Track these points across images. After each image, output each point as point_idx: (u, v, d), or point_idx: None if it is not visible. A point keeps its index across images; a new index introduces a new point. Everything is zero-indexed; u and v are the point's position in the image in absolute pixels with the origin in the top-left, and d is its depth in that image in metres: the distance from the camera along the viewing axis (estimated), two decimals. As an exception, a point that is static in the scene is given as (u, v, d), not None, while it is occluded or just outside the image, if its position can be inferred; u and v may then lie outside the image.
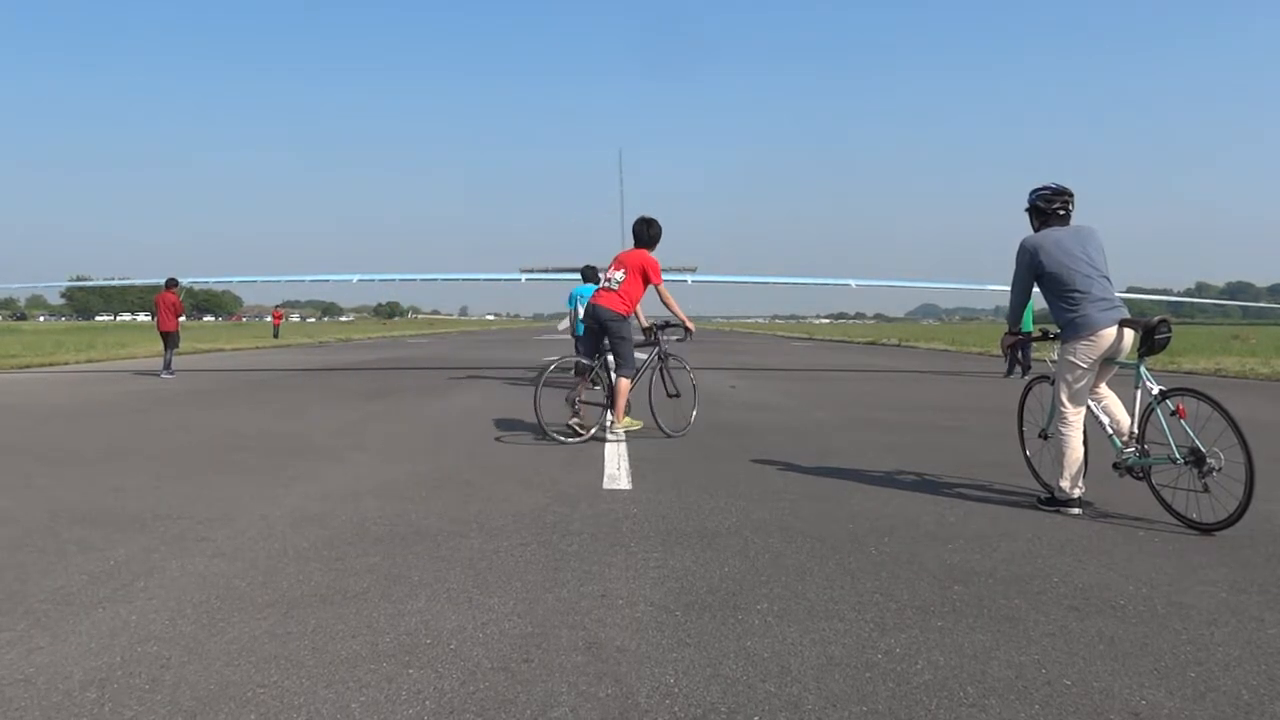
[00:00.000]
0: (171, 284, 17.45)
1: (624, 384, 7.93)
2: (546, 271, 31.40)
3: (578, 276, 14.93)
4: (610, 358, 8.11)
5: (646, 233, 8.20)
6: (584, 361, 8.17)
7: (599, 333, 8.00)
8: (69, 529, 4.47)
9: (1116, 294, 4.99)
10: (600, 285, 8.11)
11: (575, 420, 7.81)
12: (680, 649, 2.88)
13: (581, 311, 13.62)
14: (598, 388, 8.31)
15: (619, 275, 7.97)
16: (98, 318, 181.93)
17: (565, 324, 13.62)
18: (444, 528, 4.52)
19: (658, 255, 8.30)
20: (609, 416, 8.00)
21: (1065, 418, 4.97)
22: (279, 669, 2.71)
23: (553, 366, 8.21)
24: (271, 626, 3.08)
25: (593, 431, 7.82)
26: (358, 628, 3.07)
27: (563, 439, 7.56)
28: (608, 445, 7.42)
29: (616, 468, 6.34)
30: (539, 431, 7.58)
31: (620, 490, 5.55)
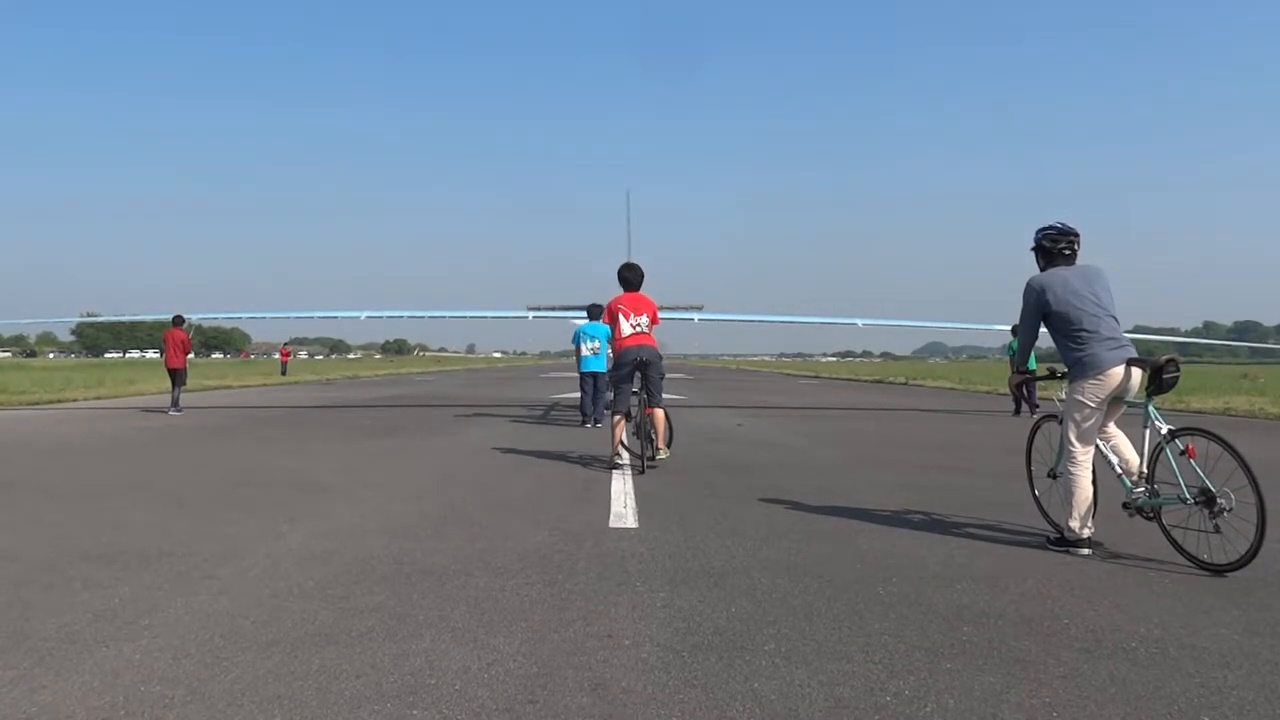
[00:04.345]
0: (179, 321, 17.58)
1: (662, 413, 8.67)
2: (553, 309, 31.53)
3: (584, 314, 15.01)
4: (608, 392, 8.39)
5: (636, 277, 8.86)
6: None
7: (634, 369, 8.55)
8: (75, 565, 4.46)
9: (1124, 333, 4.99)
10: (632, 330, 8.58)
11: (650, 448, 8.45)
12: (687, 690, 2.85)
13: (590, 348, 13.69)
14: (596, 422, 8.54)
15: (645, 320, 8.60)
16: (107, 355, 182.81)
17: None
18: (449, 566, 4.50)
19: (652, 293, 9.05)
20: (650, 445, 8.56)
21: (1074, 457, 4.95)
22: (282, 710, 2.69)
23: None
24: (275, 666, 3.06)
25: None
26: (362, 667, 3.05)
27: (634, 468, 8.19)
28: (614, 483, 7.40)
29: (623, 506, 6.32)
30: (545, 469, 7.59)
31: (627, 529, 5.52)
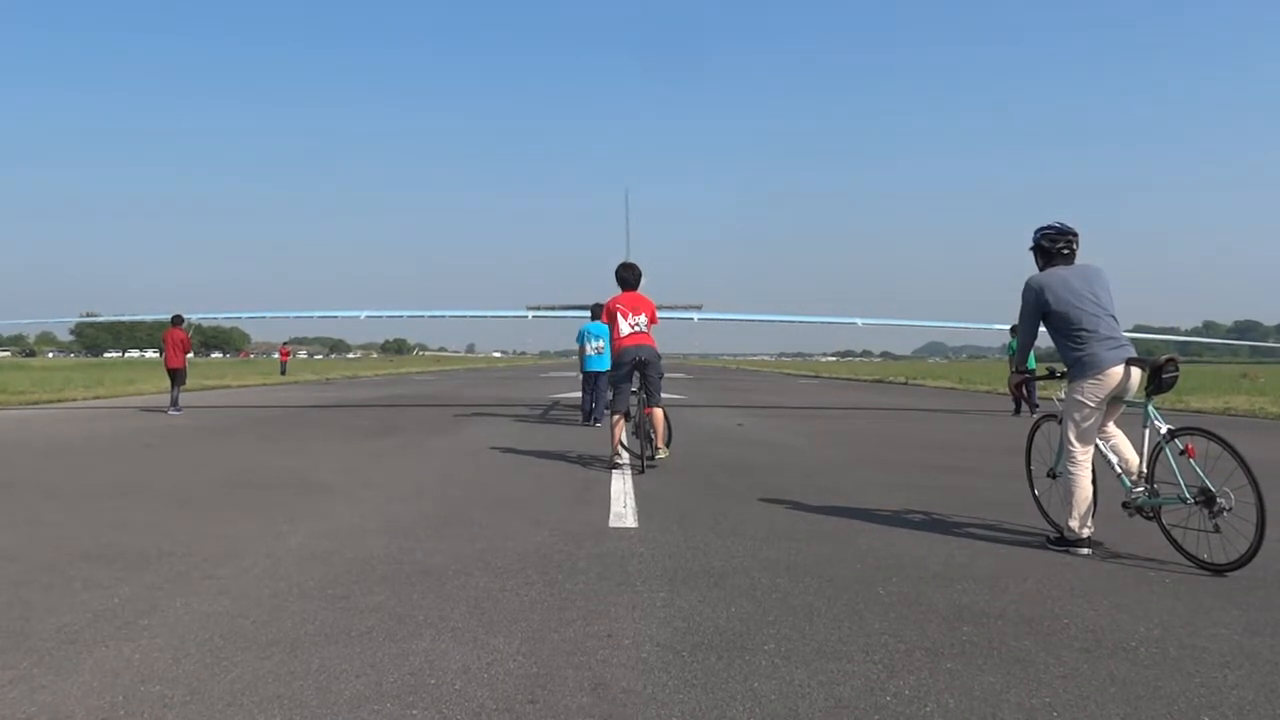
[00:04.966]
0: (178, 321, 17.58)
1: (661, 412, 8.68)
2: (554, 309, 31.55)
3: (585, 314, 15.01)
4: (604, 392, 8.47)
5: (634, 277, 8.85)
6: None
7: (633, 369, 8.55)
8: (74, 565, 4.46)
9: (1123, 333, 4.99)
10: (631, 330, 8.57)
11: (650, 447, 8.46)
12: (687, 690, 2.85)
13: (594, 347, 13.69)
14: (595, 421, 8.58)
15: (643, 319, 8.60)
16: (106, 354, 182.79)
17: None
18: (449, 566, 4.50)
19: (651, 292, 9.14)
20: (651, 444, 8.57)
21: (1073, 457, 4.95)
22: (282, 710, 2.69)
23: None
24: (275, 666, 3.06)
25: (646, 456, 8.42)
26: (362, 667, 3.05)
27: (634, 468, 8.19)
28: (614, 483, 7.40)
29: (623, 506, 6.31)
30: (545, 469, 7.60)
31: (627, 529, 5.52)
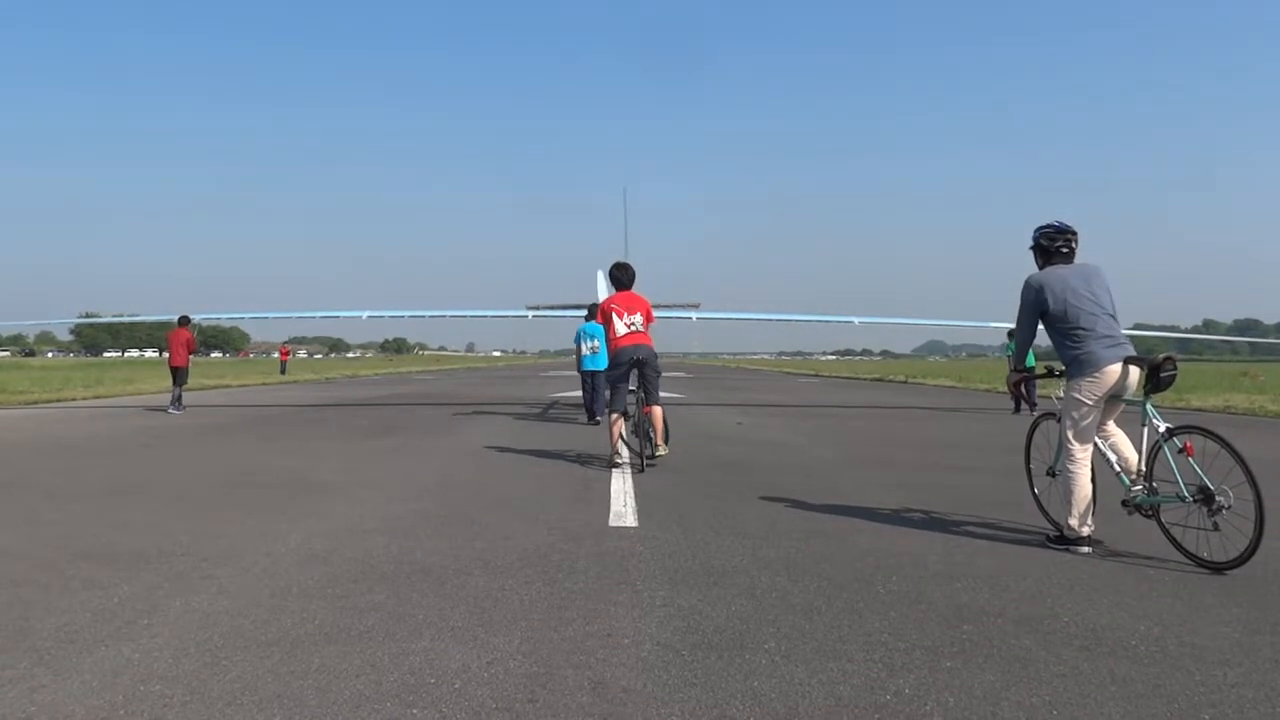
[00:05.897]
0: (184, 321, 17.65)
1: (660, 411, 8.70)
2: (553, 308, 31.54)
3: (584, 314, 15.04)
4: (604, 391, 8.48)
5: (628, 277, 8.89)
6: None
7: (631, 368, 8.57)
8: (74, 565, 4.46)
9: (1122, 331, 5.00)
10: (627, 329, 8.58)
11: (649, 446, 8.48)
12: (687, 689, 2.85)
13: (590, 347, 13.70)
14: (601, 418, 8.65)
15: (639, 319, 8.62)
16: (105, 354, 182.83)
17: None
18: (449, 565, 4.50)
19: (646, 291, 9.10)
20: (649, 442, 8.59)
21: (1073, 455, 4.95)
22: (282, 709, 2.69)
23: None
24: (275, 666, 3.06)
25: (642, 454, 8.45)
26: (361, 667, 3.05)
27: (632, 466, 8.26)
28: (614, 482, 7.40)
29: (623, 505, 6.31)
30: (544, 468, 7.61)
31: (627, 528, 5.52)
